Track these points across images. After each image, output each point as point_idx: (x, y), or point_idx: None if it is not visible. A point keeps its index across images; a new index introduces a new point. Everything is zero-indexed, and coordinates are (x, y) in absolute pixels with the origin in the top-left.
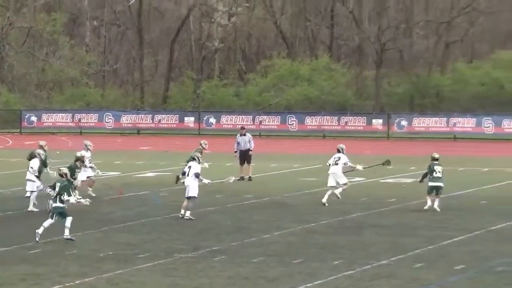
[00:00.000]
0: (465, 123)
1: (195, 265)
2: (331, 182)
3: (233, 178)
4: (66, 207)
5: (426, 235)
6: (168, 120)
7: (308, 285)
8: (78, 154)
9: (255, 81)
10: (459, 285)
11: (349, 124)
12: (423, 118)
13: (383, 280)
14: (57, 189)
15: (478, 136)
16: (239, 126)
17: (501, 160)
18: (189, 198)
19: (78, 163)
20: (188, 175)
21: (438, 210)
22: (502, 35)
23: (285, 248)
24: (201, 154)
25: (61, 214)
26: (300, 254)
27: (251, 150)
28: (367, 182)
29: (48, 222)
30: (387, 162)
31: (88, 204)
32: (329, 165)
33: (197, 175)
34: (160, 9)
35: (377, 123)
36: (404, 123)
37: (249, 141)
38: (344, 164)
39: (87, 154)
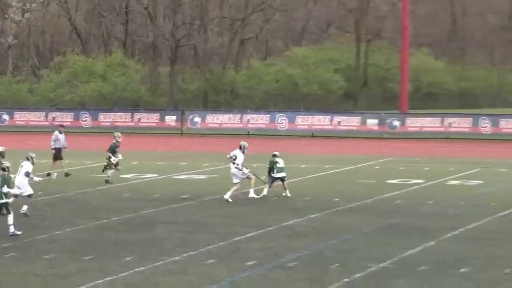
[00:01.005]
0: (258, 120)
1: None
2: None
3: (56, 174)
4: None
5: (218, 231)
6: None
7: (99, 281)
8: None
9: (49, 77)
10: (250, 281)
11: (142, 121)
12: (217, 115)
13: (175, 276)
14: None
15: (271, 133)
16: (57, 124)
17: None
18: (29, 196)
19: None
20: (19, 173)
21: (289, 195)
22: (296, 32)
23: (77, 245)
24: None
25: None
26: (92, 251)
27: (65, 148)
28: (160, 179)
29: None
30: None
31: None
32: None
33: (27, 174)
34: None
35: (170, 119)
36: (197, 119)
37: (65, 139)
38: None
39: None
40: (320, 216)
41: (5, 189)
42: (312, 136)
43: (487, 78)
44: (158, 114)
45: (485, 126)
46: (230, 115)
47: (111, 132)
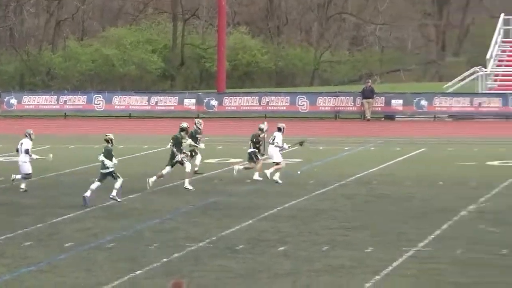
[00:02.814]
0: (75, 101)
1: None
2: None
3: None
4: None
5: (36, 213)
6: None
7: None
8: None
9: None
10: (67, 262)
11: None
12: (33, 96)
13: None
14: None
15: (88, 114)
16: None
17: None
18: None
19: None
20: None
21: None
22: (113, 13)
23: None
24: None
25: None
26: None
27: None
28: None
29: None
30: (301, 143)
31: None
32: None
33: (26, 151)
34: None
35: None
36: (13, 101)
37: None
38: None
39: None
40: (139, 196)
41: (100, 157)
42: (130, 116)
43: (304, 56)
44: None
45: (303, 104)
46: (47, 97)
47: None
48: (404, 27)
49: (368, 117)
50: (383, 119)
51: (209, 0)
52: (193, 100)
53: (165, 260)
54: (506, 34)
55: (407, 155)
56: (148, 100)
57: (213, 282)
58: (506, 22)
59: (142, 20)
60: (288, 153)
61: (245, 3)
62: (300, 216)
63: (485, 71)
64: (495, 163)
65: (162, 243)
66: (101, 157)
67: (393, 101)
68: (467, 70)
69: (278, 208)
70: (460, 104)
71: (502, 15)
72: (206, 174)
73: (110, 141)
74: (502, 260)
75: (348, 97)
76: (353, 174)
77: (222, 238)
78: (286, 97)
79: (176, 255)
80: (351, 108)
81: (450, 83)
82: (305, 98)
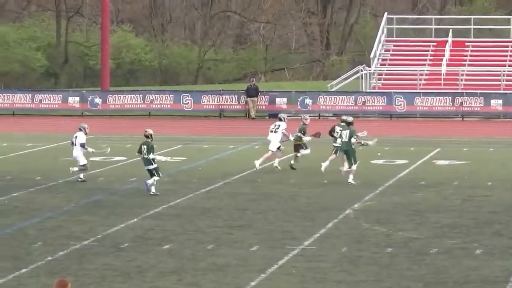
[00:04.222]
0: None
1: None
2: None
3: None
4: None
5: None
6: None
7: None
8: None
9: None
10: None
11: None
12: None
13: None
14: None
15: None
16: None
17: None
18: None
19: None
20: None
21: None
22: None
23: None
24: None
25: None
26: None
27: None
28: None
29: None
30: (318, 134)
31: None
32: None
33: (82, 145)
34: None
35: None
36: None
37: None
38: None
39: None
40: (22, 194)
41: (151, 155)
42: (13, 114)
43: (187, 55)
44: None
45: (187, 103)
46: None
47: None
48: (288, 25)
49: (253, 116)
50: (267, 117)
51: None
52: (77, 98)
53: (49, 258)
54: (390, 33)
55: (292, 154)
56: (32, 98)
57: (98, 281)
58: (389, 21)
59: (26, 18)
60: (172, 152)
61: (129, 0)
62: (185, 214)
63: (369, 70)
64: (380, 162)
65: (46, 242)
66: (152, 156)
67: (277, 99)
68: (351, 69)
69: (163, 206)
70: (345, 103)
71: (385, 14)
72: (91, 172)
73: (150, 136)
74: (387, 258)
75: (233, 96)
76: (238, 173)
77: (107, 236)
78: (170, 95)
79: (60, 253)
80: (235, 107)
81: (334, 82)
82: (190, 96)
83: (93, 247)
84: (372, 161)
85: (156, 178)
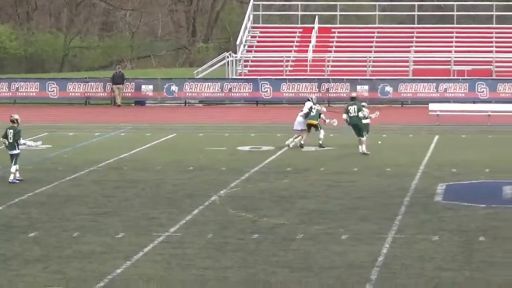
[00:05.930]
0: None
1: None
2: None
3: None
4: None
5: None
6: None
7: None
8: None
9: None
10: None
11: None
12: None
13: None
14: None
15: None
16: None
17: None
18: None
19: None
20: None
21: None
22: None
23: None
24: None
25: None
26: None
27: None
28: None
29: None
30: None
31: None
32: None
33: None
34: None
35: None
36: None
37: None
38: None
39: None
40: None
41: (22, 140)
42: None
43: (53, 42)
44: None
45: (53, 90)
46: None
47: None
48: (154, 12)
49: (119, 103)
50: (133, 104)
51: None
52: None
53: None
54: (256, 19)
55: (158, 141)
56: None
57: None
58: (255, 8)
59: None
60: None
61: None
62: (50, 202)
63: (235, 57)
64: (246, 148)
65: None
66: (22, 141)
67: (143, 86)
68: (218, 56)
69: (28, 194)
70: (211, 90)
71: (251, 1)
72: None
73: (16, 121)
74: (253, 245)
75: (98, 83)
76: (104, 160)
77: None
78: (36, 83)
79: None
80: (101, 94)
81: (200, 69)
82: (55, 84)
83: None
84: (239, 148)
85: (16, 166)
